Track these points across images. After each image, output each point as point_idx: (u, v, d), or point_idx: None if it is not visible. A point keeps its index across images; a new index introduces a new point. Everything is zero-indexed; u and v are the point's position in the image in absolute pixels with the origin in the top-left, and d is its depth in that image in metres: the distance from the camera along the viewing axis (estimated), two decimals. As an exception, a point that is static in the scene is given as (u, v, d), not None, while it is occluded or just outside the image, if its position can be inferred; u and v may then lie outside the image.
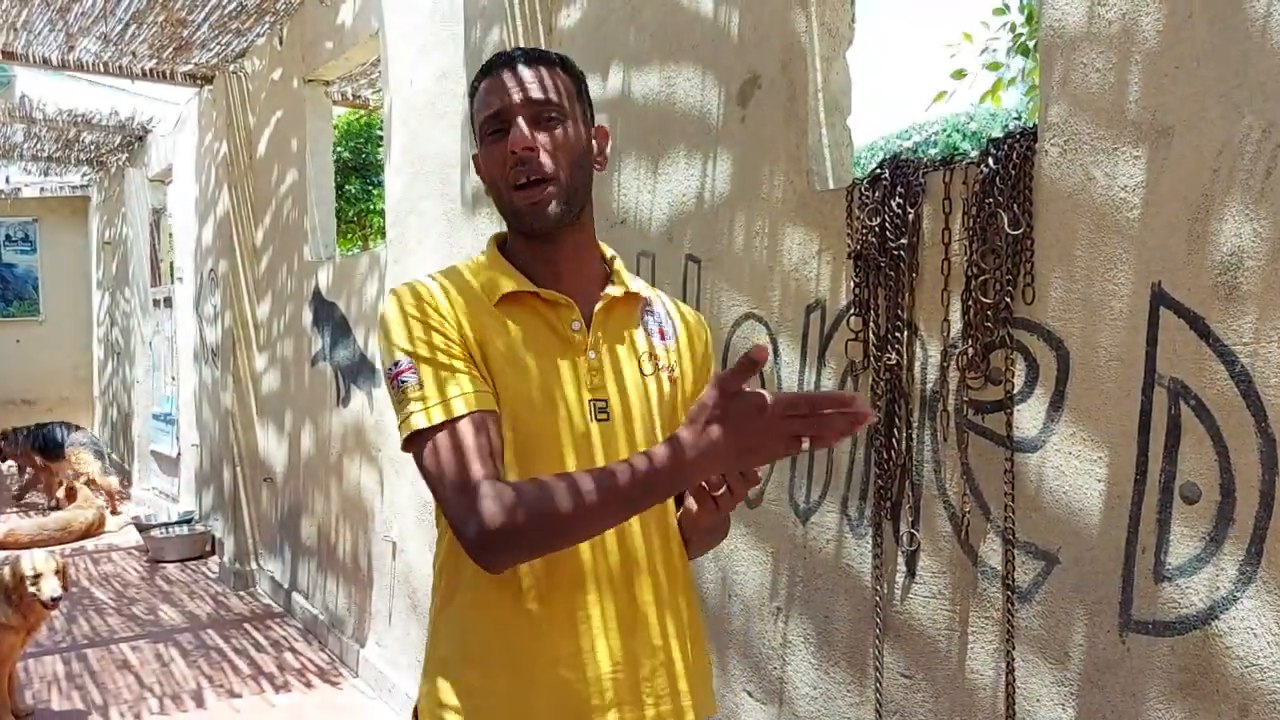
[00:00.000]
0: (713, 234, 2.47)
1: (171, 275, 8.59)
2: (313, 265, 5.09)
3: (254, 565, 6.07)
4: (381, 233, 8.49)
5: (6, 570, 3.81)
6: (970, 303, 1.82)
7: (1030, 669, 1.75)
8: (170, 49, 5.88)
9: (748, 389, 1.07)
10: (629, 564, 1.30)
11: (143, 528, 7.05)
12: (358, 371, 4.55)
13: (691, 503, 1.35)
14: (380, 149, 8.65)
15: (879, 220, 1.99)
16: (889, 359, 1.99)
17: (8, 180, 11.34)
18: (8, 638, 3.79)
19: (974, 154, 1.85)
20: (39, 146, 9.19)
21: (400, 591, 4.07)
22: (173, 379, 8.37)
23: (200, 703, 4.18)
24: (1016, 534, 1.77)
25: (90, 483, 8.33)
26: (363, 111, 8.58)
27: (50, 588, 3.75)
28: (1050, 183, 1.70)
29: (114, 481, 8.57)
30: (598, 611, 1.27)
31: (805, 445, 1.05)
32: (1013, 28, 4.89)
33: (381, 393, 4.24)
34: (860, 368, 2.09)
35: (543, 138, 1.28)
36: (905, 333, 1.97)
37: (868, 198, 2.02)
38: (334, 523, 4.90)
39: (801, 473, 2.25)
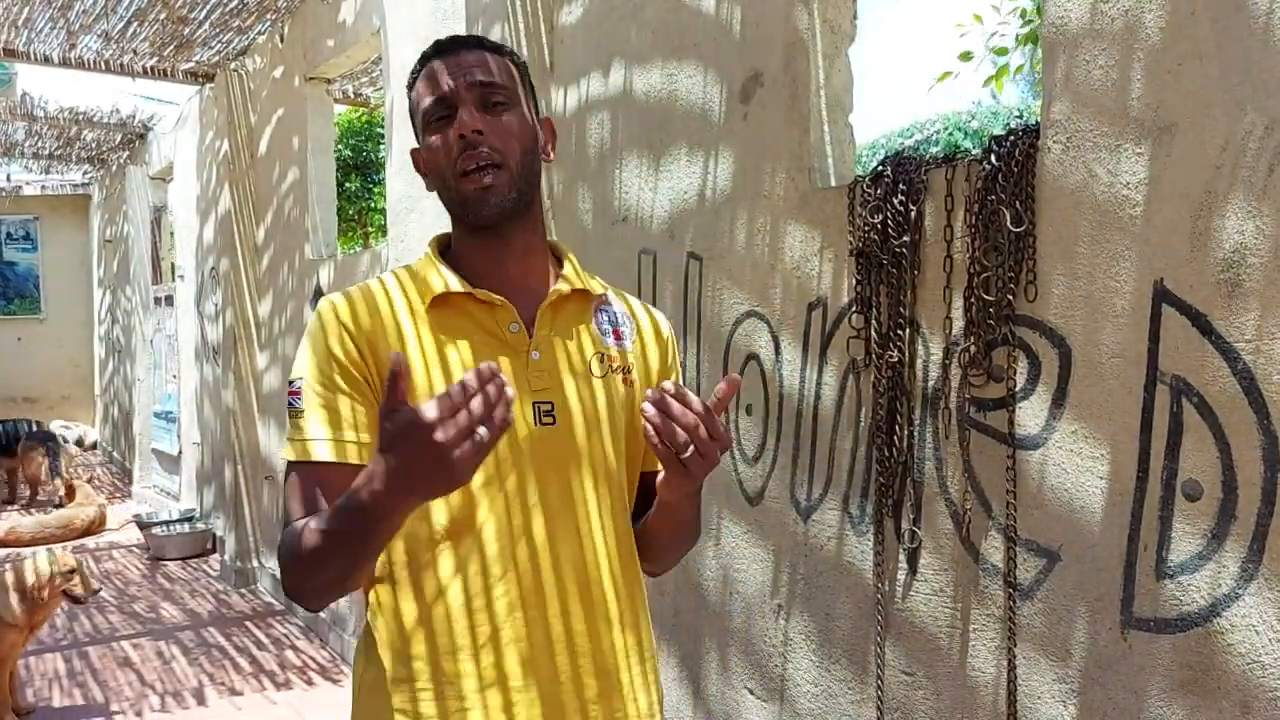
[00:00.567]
0: (714, 231, 2.47)
1: (173, 273, 8.59)
2: (314, 263, 5.09)
3: (255, 563, 6.08)
4: (383, 231, 8.49)
5: (28, 568, 3.82)
6: (972, 300, 1.82)
7: (1032, 666, 1.75)
8: (171, 47, 5.88)
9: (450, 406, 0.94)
10: (568, 583, 1.21)
11: (144, 525, 7.06)
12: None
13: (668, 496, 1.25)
14: (381, 147, 8.65)
15: (881, 218, 1.98)
16: (891, 356, 1.99)
17: (9, 178, 11.35)
18: (10, 635, 3.79)
19: (976, 151, 1.85)
20: (40, 144, 9.20)
21: (401, 589, 4.06)
22: (174, 377, 8.37)
23: (201, 700, 4.18)
24: (1018, 531, 1.77)
25: (38, 482, 8.46)
26: (364, 109, 8.58)
27: (91, 581, 3.82)
28: (1053, 180, 1.70)
29: (59, 485, 8.56)
30: (532, 630, 1.19)
31: (484, 436, 0.93)
32: (1023, 13, 4.86)
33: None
34: (862, 365, 2.09)
35: (491, 122, 1.20)
36: (907, 330, 1.97)
37: (870, 195, 2.02)
38: (335, 520, 4.90)
39: (803, 470, 2.25)
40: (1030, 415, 1.75)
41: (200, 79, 6.42)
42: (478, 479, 1.17)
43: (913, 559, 1.99)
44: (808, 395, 2.23)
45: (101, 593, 3.96)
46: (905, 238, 1.94)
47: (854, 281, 2.07)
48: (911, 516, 1.98)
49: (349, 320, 1.21)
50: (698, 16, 2.50)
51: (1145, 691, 1.57)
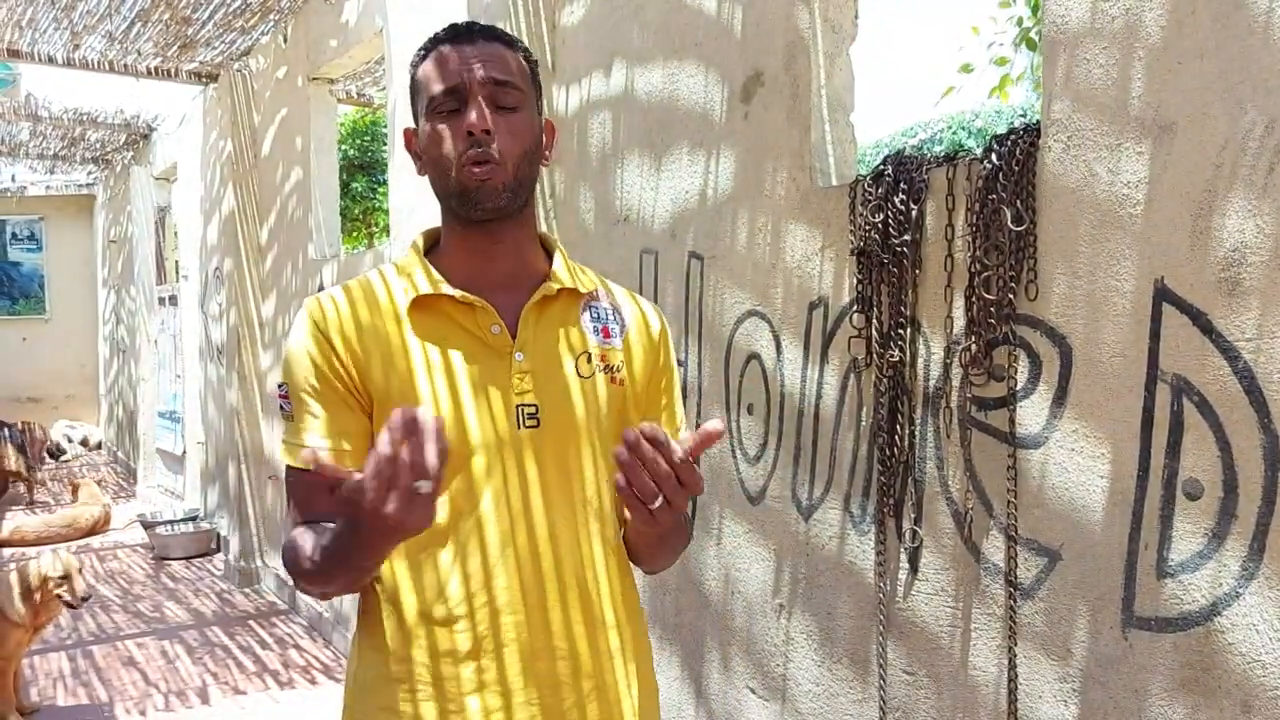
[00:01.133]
0: (716, 231, 2.47)
1: (177, 273, 8.61)
2: (317, 263, 5.09)
3: (259, 562, 6.09)
4: (387, 230, 8.49)
5: (15, 574, 3.83)
6: (973, 299, 1.82)
7: (1033, 665, 1.75)
8: (175, 47, 5.89)
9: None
10: (559, 586, 1.21)
11: (149, 525, 7.07)
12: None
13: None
14: (386, 147, 8.67)
15: (882, 217, 1.98)
16: (892, 356, 1.99)
17: (14, 179, 11.37)
18: (14, 635, 3.80)
19: (977, 150, 1.85)
20: (45, 144, 9.22)
21: (404, 588, 4.07)
22: (178, 377, 8.39)
23: (205, 699, 4.19)
24: (1019, 530, 1.77)
25: (11, 474, 8.52)
26: (369, 110, 8.59)
27: (81, 587, 3.81)
28: (1053, 179, 1.70)
29: (39, 473, 8.65)
30: (517, 634, 1.19)
31: (425, 488, 0.94)
32: (1019, 21, 4.88)
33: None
34: (863, 365, 2.09)
35: (500, 122, 1.19)
36: (908, 329, 1.97)
37: (871, 194, 2.02)
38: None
39: (804, 469, 2.25)
40: (1031, 414, 1.75)
41: (204, 79, 6.43)
42: (464, 486, 1.18)
43: (914, 558, 1.99)
44: (809, 394, 2.23)
45: (90, 600, 3.91)
46: (906, 237, 1.94)
47: (855, 281, 2.07)
48: (913, 516, 1.98)
49: (328, 324, 1.21)
50: (699, 16, 2.50)
51: (1146, 690, 1.57)
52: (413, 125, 1.28)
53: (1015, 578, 1.77)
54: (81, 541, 7.37)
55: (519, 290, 1.25)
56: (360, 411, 1.21)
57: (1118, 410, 1.61)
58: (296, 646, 4.89)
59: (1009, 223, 1.74)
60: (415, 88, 1.25)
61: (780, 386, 2.31)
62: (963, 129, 9.32)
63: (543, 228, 3.09)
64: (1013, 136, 1.76)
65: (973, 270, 1.82)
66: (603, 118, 2.89)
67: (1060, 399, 1.70)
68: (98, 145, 9.47)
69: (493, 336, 1.22)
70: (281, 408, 1.24)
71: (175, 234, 8.83)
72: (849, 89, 2.27)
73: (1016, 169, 1.74)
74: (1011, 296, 1.76)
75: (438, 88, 1.20)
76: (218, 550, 6.89)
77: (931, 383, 1.95)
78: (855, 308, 2.07)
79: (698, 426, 1.24)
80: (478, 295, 1.22)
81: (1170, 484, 1.54)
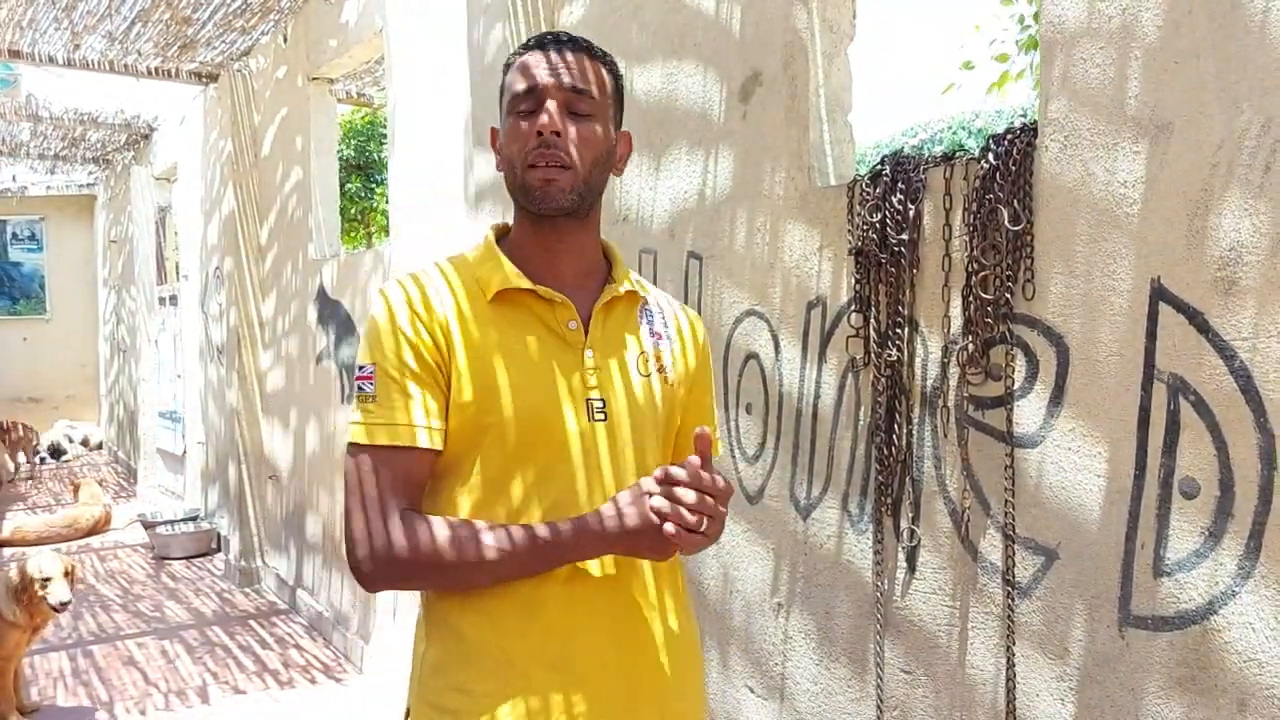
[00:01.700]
0: (714, 231, 2.48)
1: (177, 273, 8.62)
2: (317, 263, 5.10)
3: (259, 562, 6.09)
4: (385, 230, 8.50)
5: (15, 571, 3.83)
6: (971, 299, 1.82)
7: (1030, 664, 1.76)
8: (175, 47, 5.89)
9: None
10: (623, 570, 1.27)
11: (149, 525, 7.08)
12: (362, 369, 4.55)
13: None
14: (384, 147, 8.66)
15: (880, 216, 1.99)
16: (889, 355, 1.99)
17: (14, 179, 11.38)
18: (13, 635, 3.80)
19: (976, 150, 1.86)
20: (45, 145, 9.22)
21: (404, 588, 4.07)
22: (178, 377, 8.39)
23: (205, 699, 4.19)
24: (1016, 529, 1.77)
25: None
26: (367, 110, 8.59)
27: (59, 592, 3.74)
28: (1050, 178, 1.71)
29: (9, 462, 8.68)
30: (587, 618, 1.24)
31: (669, 529, 1.12)
32: (1020, 20, 4.88)
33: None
34: (861, 364, 2.09)
35: (571, 128, 1.24)
36: (906, 329, 1.98)
37: (869, 194, 2.02)
38: (339, 519, 4.91)
39: (802, 469, 2.26)
40: (1028, 413, 1.75)
41: (204, 79, 6.44)
42: (541, 473, 1.24)
43: (912, 557, 1.99)
44: (807, 394, 2.24)
45: (70, 605, 3.87)
46: (904, 236, 1.94)
47: (853, 280, 2.07)
48: (910, 515, 1.99)
49: (420, 305, 1.24)
50: (697, 16, 2.51)
51: (1143, 689, 1.58)
52: (497, 125, 1.34)
53: (1013, 576, 1.78)
54: (82, 541, 7.37)
55: (586, 290, 1.32)
56: (445, 393, 1.23)
57: (1114, 409, 1.61)
58: (297, 646, 4.89)
59: (1006, 222, 1.74)
60: (502, 87, 1.31)
61: (778, 386, 2.31)
62: (963, 129, 9.31)
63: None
64: (1010, 136, 1.77)
65: (970, 270, 1.82)
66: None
67: (1057, 398, 1.70)
68: (98, 145, 9.48)
69: (569, 332, 1.28)
70: (361, 389, 1.23)
71: (175, 234, 8.84)
72: (847, 89, 2.28)
73: (1014, 169, 1.74)
74: (1009, 296, 1.76)
75: (518, 88, 1.26)
76: (218, 550, 6.89)
77: (929, 382, 1.95)
78: (853, 307, 2.08)
79: None
80: (555, 291, 1.28)
81: (1167, 483, 1.54)
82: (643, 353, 1.33)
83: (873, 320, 2.03)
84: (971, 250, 1.81)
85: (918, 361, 1.97)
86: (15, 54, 5.83)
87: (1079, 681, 1.68)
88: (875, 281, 2.02)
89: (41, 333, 13.01)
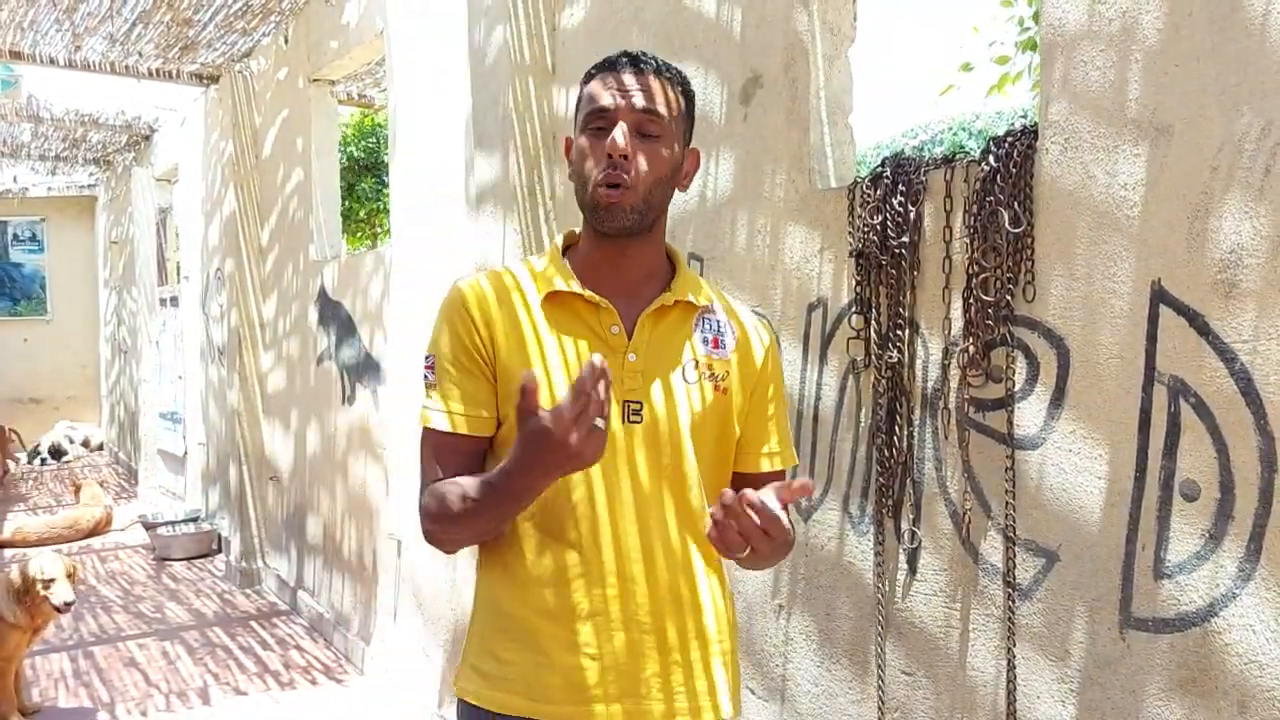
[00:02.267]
0: (715, 232, 2.48)
1: (178, 274, 8.62)
2: (318, 264, 5.10)
3: (260, 563, 6.09)
4: (390, 232, 8.49)
5: (16, 572, 3.83)
6: (971, 301, 1.82)
7: (1031, 666, 1.76)
8: (176, 48, 5.90)
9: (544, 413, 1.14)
10: (648, 564, 1.34)
11: (150, 525, 7.08)
12: (363, 370, 4.56)
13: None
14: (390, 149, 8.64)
15: (880, 218, 1.99)
16: (890, 357, 1.99)
17: (15, 180, 11.38)
18: (14, 636, 3.80)
19: (976, 152, 1.86)
20: (46, 146, 9.22)
21: (405, 589, 4.08)
22: (179, 378, 8.40)
23: (206, 700, 4.19)
24: (1017, 531, 1.77)
25: None
26: (372, 111, 8.59)
27: (62, 593, 3.75)
28: (1051, 181, 1.71)
29: None
30: (608, 605, 1.32)
31: (601, 425, 1.12)
32: (1020, 21, 4.88)
33: (386, 391, 4.25)
34: (861, 366, 2.09)
35: (639, 148, 1.31)
36: (906, 331, 1.98)
37: (869, 196, 2.02)
38: (339, 521, 4.92)
39: (803, 470, 2.26)
40: (1029, 415, 1.76)
41: (205, 81, 6.44)
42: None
43: (912, 559, 1.99)
44: (808, 395, 2.24)
45: (74, 605, 3.87)
46: (904, 238, 1.95)
47: (854, 282, 2.07)
48: (911, 516, 1.99)
49: (475, 307, 1.36)
50: (698, 18, 2.51)
51: (1143, 691, 1.58)
52: (572, 135, 1.40)
53: (1013, 578, 1.78)
54: (83, 542, 7.37)
55: (640, 298, 1.38)
56: (494, 386, 1.35)
57: (1115, 411, 1.62)
58: (298, 647, 4.90)
59: (1007, 225, 1.74)
60: (578, 103, 1.39)
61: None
62: (963, 130, 9.31)
63: (545, 228, 3.10)
64: (1010, 138, 1.77)
65: (971, 272, 1.82)
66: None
67: (1058, 400, 1.71)
68: (99, 146, 9.47)
69: (611, 335, 1.35)
70: (425, 376, 1.37)
71: (176, 235, 8.85)
72: (848, 91, 2.28)
73: (1014, 171, 1.74)
74: (1009, 298, 1.76)
75: (592, 106, 1.34)
76: (219, 551, 6.89)
77: (930, 384, 1.95)
78: (854, 309, 2.08)
79: None
80: (604, 298, 1.35)
81: (1167, 485, 1.54)
82: (692, 360, 1.38)
83: (873, 322, 2.03)
84: (972, 252, 1.82)
85: (918, 363, 1.97)
86: (16, 55, 5.83)
87: (1080, 683, 1.68)
88: (876, 283, 2.02)
89: (42, 334, 13.00)
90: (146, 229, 9.15)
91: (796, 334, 2.26)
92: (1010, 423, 1.78)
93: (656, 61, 1.36)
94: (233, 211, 6.11)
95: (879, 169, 2.02)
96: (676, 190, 1.40)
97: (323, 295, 5.03)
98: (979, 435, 1.85)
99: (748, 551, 1.19)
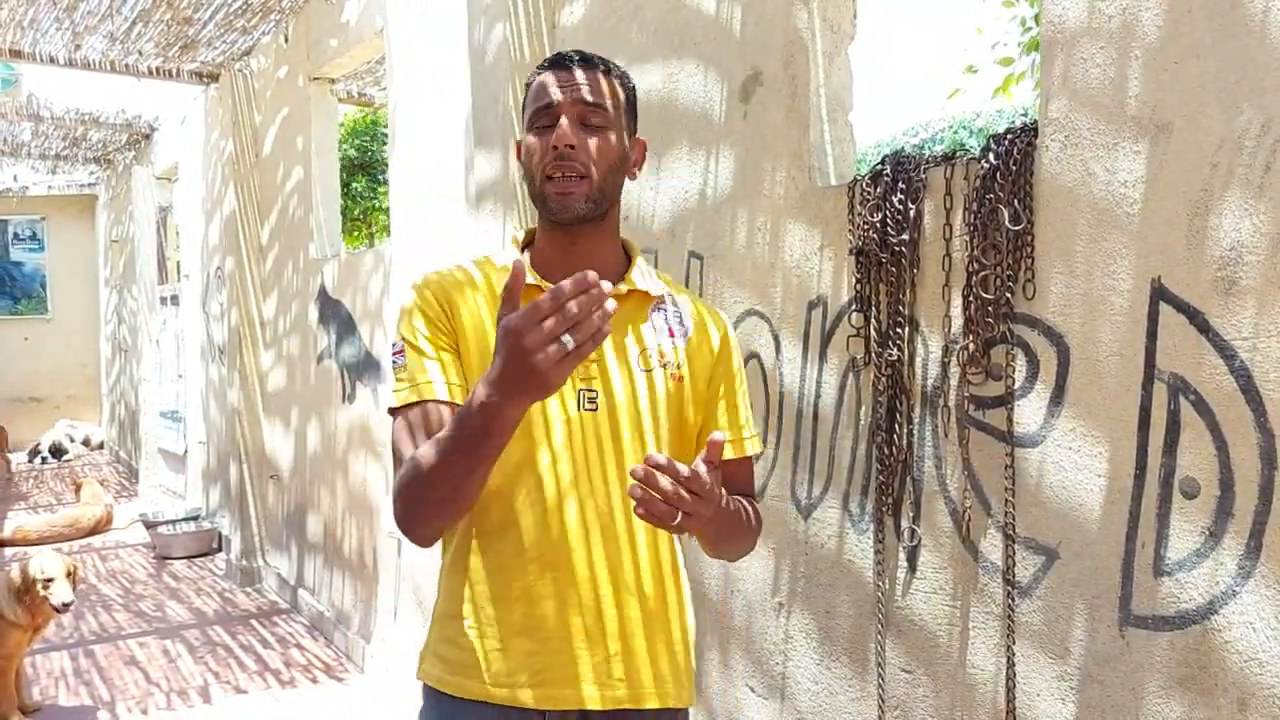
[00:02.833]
0: (715, 230, 2.48)
1: (178, 273, 8.62)
2: (318, 263, 5.10)
3: (260, 562, 6.10)
4: (387, 230, 8.50)
5: (16, 571, 3.83)
6: (971, 298, 1.82)
7: (1030, 664, 1.76)
8: (176, 47, 5.90)
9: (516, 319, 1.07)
10: (605, 549, 1.36)
11: (150, 524, 7.08)
12: (363, 368, 4.56)
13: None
14: (387, 147, 8.66)
15: (880, 216, 1.99)
16: (890, 355, 1.99)
17: (16, 178, 11.38)
18: (15, 635, 3.81)
19: (977, 150, 1.86)
20: (46, 144, 9.22)
21: (405, 587, 4.08)
22: (180, 376, 8.40)
23: (207, 698, 4.19)
24: (1017, 529, 1.77)
25: None
26: (370, 109, 8.59)
27: (62, 593, 3.75)
28: (1051, 178, 1.71)
29: None
30: (560, 590, 1.34)
31: (569, 343, 1.04)
32: (1022, 22, 4.88)
33: (386, 389, 4.26)
34: (861, 364, 2.09)
35: (585, 139, 1.34)
36: (906, 329, 1.98)
37: (869, 194, 2.02)
38: (340, 519, 4.92)
39: (803, 468, 2.26)
40: (1029, 413, 1.75)
41: (205, 79, 6.44)
42: (517, 454, 1.32)
43: (912, 557, 1.99)
44: (808, 394, 2.24)
45: (73, 605, 3.87)
46: (904, 236, 1.95)
47: (854, 280, 2.07)
48: (911, 514, 1.99)
49: (438, 293, 1.38)
50: (698, 16, 2.51)
51: (1143, 688, 1.58)
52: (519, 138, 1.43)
53: (1013, 576, 1.78)
54: (84, 541, 7.37)
55: None
56: (461, 365, 1.36)
57: (1115, 409, 1.61)
58: (298, 646, 4.90)
59: (1007, 222, 1.74)
60: (523, 106, 1.41)
61: (779, 386, 2.31)
62: (964, 128, 9.30)
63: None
64: (1010, 136, 1.77)
65: (970, 269, 1.82)
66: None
67: (1058, 398, 1.70)
68: (99, 145, 9.48)
69: None
70: (394, 362, 1.37)
71: (177, 234, 8.84)
72: (848, 88, 2.28)
73: (1014, 168, 1.74)
74: (1009, 296, 1.76)
75: (536, 105, 1.36)
76: (219, 549, 6.90)
77: (930, 382, 1.95)
78: (854, 307, 2.08)
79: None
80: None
81: (1167, 482, 1.54)
82: (644, 349, 1.40)
83: (873, 320, 2.03)
84: (972, 250, 1.81)
85: (918, 361, 1.97)
86: (16, 54, 5.83)
87: (1079, 681, 1.68)
88: (876, 281, 2.02)
89: (43, 332, 13.01)
90: (147, 228, 9.15)
91: (796, 332, 2.26)
92: (1010, 420, 1.78)
93: (592, 57, 1.39)
94: (233, 210, 6.11)
95: (879, 166, 2.02)
96: (628, 179, 1.42)
97: (323, 294, 5.03)
98: (979, 433, 1.85)
99: (680, 518, 1.14)
